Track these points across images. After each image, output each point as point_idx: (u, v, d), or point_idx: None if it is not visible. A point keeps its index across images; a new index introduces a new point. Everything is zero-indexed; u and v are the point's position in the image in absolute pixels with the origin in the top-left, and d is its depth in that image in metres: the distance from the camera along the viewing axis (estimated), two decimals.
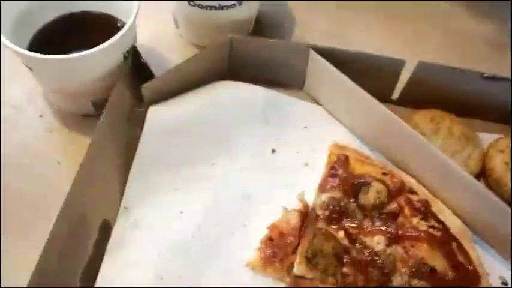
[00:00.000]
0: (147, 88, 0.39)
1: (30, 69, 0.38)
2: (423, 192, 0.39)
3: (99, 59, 0.37)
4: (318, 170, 0.41)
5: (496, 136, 0.43)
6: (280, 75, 0.44)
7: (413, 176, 0.39)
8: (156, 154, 0.40)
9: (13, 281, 0.34)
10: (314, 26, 0.51)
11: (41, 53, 0.36)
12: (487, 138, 0.43)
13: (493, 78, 0.40)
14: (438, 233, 0.36)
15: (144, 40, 0.44)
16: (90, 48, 0.36)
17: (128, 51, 0.39)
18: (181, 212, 0.38)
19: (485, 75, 0.40)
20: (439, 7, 0.53)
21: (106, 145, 0.38)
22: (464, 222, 0.38)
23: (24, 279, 0.30)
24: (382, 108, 0.38)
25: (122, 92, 0.39)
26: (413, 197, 0.38)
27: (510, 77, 0.40)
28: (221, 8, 0.43)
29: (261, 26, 0.50)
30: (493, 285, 0.36)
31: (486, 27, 0.52)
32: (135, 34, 0.40)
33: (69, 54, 0.36)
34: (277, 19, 0.51)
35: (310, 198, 0.39)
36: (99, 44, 0.37)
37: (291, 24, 0.51)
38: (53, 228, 0.32)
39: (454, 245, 0.36)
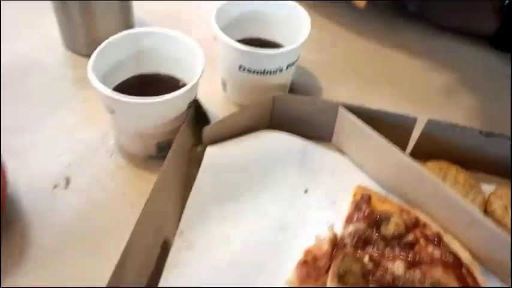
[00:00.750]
0: (206, 131, 0.47)
1: (113, 111, 0.47)
2: (436, 227, 0.45)
3: (171, 105, 0.46)
4: (344, 207, 0.48)
5: (495, 186, 0.50)
6: (312, 128, 0.52)
7: (426, 213, 0.46)
8: (209, 188, 0.47)
9: None
10: (337, 93, 0.60)
11: None
12: (487, 188, 0.50)
13: (490, 135, 0.48)
14: (450, 259, 0.42)
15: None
16: None
17: (191, 102, 0.48)
18: (228, 238, 0.45)
19: (483, 132, 0.48)
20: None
21: (170, 178, 0.45)
22: (472, 255, 0.44)
23: None
24: (402, 155, 0.46)
25: (185, 135, 0.47)
26: (427, 231, 0.45)
27: (510, 135, 0.48)
28: (266, 73, 0.52)
29: (293, 92, 0.59)
30: None
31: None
32: (197, 90, 0.50)
33: (147, 99, 0.45)
34: (306, 87, 0.61)
35: (338, 230, 0.46)
36: None
37: (318, 92, 0.60)
38: (128, 242, 0.38)
39: (464, 270, 0.42)
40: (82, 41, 0.60)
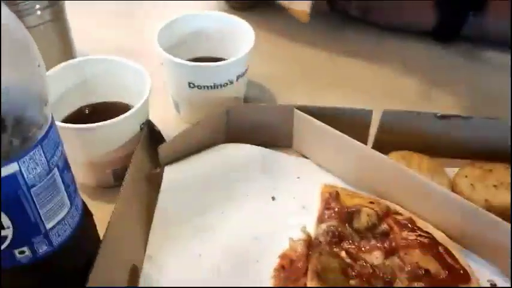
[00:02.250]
0: (162, 149, 0.46)
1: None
2: (407, 213, 0.45)
3: (122, 127, 0.45)
4: (314, 210, 0.47)
5: (458, 168, 0.51)
6: (271, 136, 0.51)
7: (396, 202, 0.46)
8: (173, 207, 0.45)
9: None
10: (292, 102, 0.60)
11: None
12: (450, 171, 0.50)
13: (445, 117, 0.49)
14: (426, 240, 0.42)
15: None
16: None
17: (143, 123, 0.47)
18: (200, 255, 0.43)
19: (438, 114, 0.49)
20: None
21: (130, 203, 0.43)
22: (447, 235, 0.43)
23: None
24: (363, 147, 0.46)
25: (141, 156, 0.45)
26: (399, 217, 0.44)
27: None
28: (216, 87, 0.52)
29: None
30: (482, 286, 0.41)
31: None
32: (148, 111, 0.48)
33: (95, 123, 0.43)
34: (260, 100, 0.60)
35: (311, 232, 0.45)
36: None
37: (272, 103, 0.60)
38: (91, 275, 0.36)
39: (441, 249, 0.41)
40: None
